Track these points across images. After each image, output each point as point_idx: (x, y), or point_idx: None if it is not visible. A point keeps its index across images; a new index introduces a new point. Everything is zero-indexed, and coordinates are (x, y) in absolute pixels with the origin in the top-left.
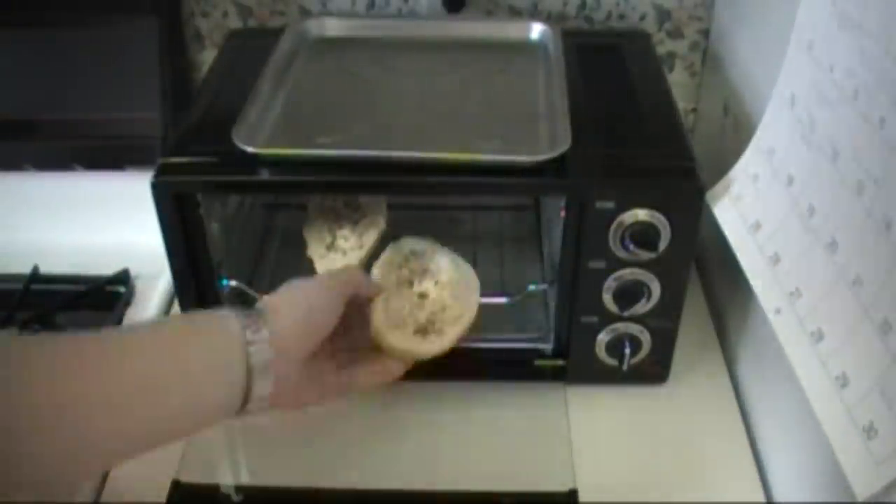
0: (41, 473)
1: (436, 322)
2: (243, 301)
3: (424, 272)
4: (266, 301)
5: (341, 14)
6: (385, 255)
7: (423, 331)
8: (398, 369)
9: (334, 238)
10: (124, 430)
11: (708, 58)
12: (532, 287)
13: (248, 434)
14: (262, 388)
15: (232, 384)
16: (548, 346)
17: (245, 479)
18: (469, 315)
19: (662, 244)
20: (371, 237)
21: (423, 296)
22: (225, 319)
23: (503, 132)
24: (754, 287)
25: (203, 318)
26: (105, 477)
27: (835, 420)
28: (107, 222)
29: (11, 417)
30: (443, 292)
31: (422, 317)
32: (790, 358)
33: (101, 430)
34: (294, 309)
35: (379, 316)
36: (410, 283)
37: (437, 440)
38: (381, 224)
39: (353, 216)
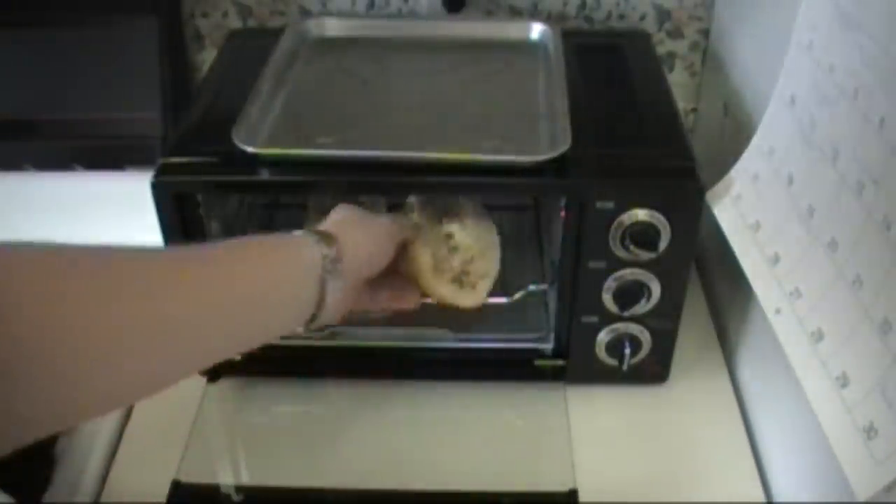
0: (116, 392)
1: (469, 273)
2: None
3: (450, 212)
4: (335, 232)
5: (341, 14)
6: (411, 198)
7: (458, 281)
8: (416, 300)
9: None
10: (200, 347)
11: (708, 58)
12: (532, 287)
13: (248, 434)
14: (327, 315)
15: (303, 311)
16: (548, 346)
17: (245, 479)
18: (493, 273)
19: (662, 244)
20: None
21: (449, 236)
22: (307, 248)
23: (503, 132)
24: (754, 287)
25: (281, 241)
26: (105, 477)
27: (835, 420)
28: (107, 222)
29: (102, 333)
30: (467, 238)
31: (456, 265)
32: (790, 358)
33: (178, 349)
34: (360, 247)
35: (426, 261)
36: (440, 221)
37: (438, 440)
38: None
39: None
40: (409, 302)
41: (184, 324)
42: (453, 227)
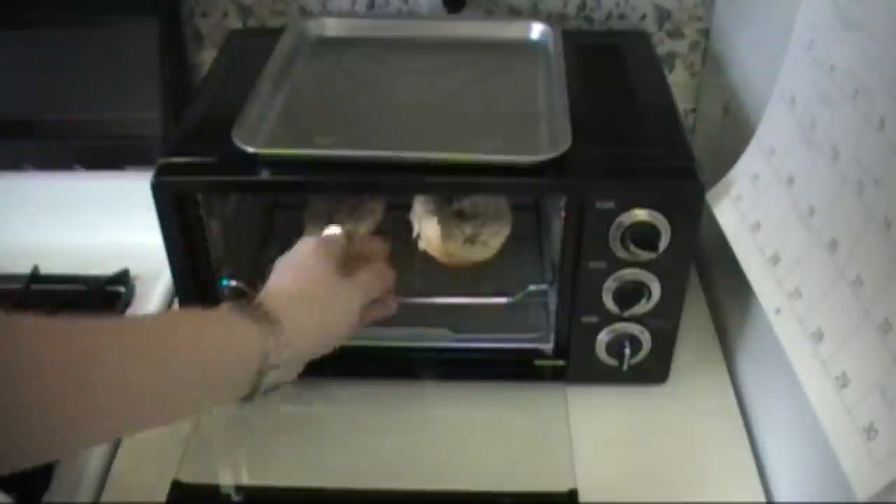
0: (54, 445)
1: (480, 234)
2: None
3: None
4: (284, 317)
5: (341, 14)
6: None
7: (470, 241)
8: (394, 307)
9: (331, 220)
10: (138, 413)
11: (708, 58)
12: (532, 287)
13: (248, 434)
14: (265, 388)
15: (238, 393)
16: (548, 346)
17: (245, 479)
18: (504, 231)
19: (662, 244)
20: (366, 225)
21: (461, 213)
22: (248, 343)
23: (503, 132)
24: (754, 287)
25: (223, 332)
26: (105, 477)
27: (835, 420)
28: (107, 222)
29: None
30: (477, 207)
31: (467, 230)
32: (790, 358)
33: (117, 413)
34: (309, 331)
35: (433, 230)
36: (450, 201)
37: (437, 440)
38: (377, 213)
39: (351, 201)
40: (389, 309)
41: (121, 391)
42: (465, 204)
